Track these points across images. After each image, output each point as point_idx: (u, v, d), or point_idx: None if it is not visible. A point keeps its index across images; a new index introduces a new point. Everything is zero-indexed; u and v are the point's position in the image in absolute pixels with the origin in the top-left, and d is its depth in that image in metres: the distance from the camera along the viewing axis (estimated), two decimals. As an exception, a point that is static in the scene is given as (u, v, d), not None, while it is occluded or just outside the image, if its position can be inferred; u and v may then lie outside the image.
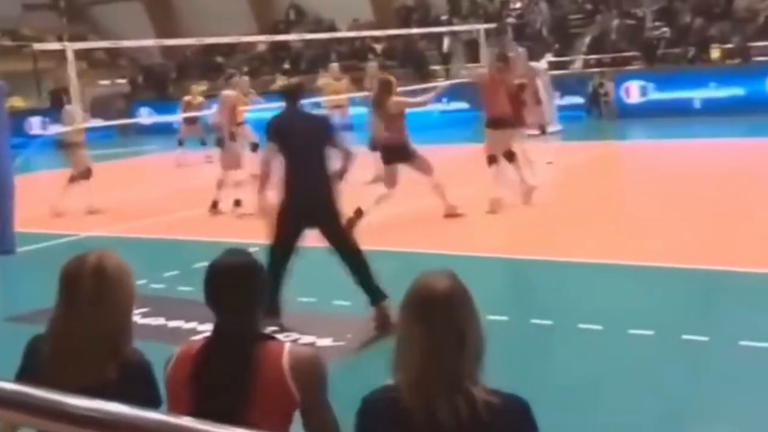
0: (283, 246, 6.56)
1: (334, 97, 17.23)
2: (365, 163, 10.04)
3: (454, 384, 2.14)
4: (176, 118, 19.61)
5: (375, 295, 6.41)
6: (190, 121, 17.81)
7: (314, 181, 6.44)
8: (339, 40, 26.09)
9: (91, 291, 2.60)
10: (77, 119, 12.54)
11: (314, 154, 6.46)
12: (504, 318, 6.24)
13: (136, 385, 2.60)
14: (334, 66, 18.63)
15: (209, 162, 15.20)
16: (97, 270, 2.63)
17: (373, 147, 11.43)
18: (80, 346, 2.61)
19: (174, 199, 12.90)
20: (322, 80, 18.32)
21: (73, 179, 12.63)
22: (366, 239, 7.11)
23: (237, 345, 2.63)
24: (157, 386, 2.68)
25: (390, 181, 10.03)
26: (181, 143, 17.97)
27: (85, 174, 12.63)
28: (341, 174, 6.63)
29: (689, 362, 5.44)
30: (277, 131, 6.56)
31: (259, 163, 6.91)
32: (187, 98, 18.11)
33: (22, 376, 2.69)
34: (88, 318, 2.61)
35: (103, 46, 21.96)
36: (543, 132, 16.17)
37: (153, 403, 2.62)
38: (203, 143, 17.12)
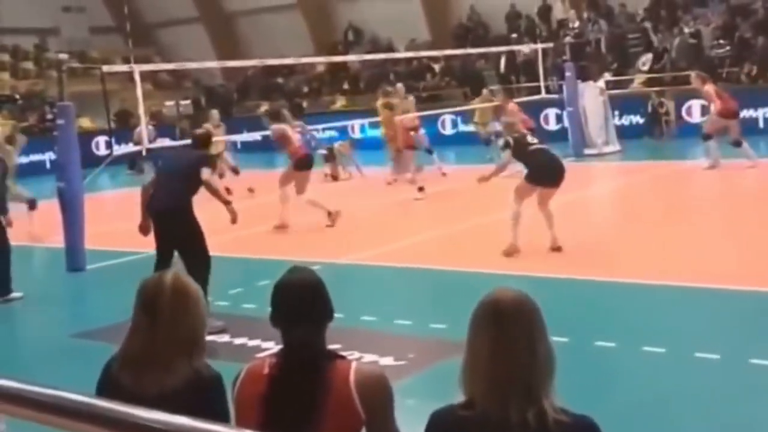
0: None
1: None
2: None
3: (526, 395, 2.17)
4: (240, 137, 19.90)
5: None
6: None
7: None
8: (396, 60, 26.26)
9: (172, 306, 2.76)
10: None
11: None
12: (566, 339, 6.21)
13: (209, 397, 2.72)
14: (399, 86, 18.62)
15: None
16: (177, 287, 2.80)
17: None
18: (159, 356, 2.74)
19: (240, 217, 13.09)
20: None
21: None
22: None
23: (308, 363, 2.69)
24: (227, 401, 2.78)
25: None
26: None
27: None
28: None
29: (756, 386, 5.35)
30: None
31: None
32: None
33: (101, 392, 2.81)
34: (167, 331, 2.75)
35: (167, 67, 22.45)
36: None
37: (224, 416, 2.72)
38: None
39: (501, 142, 10.39)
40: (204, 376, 2.77)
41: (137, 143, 14.76)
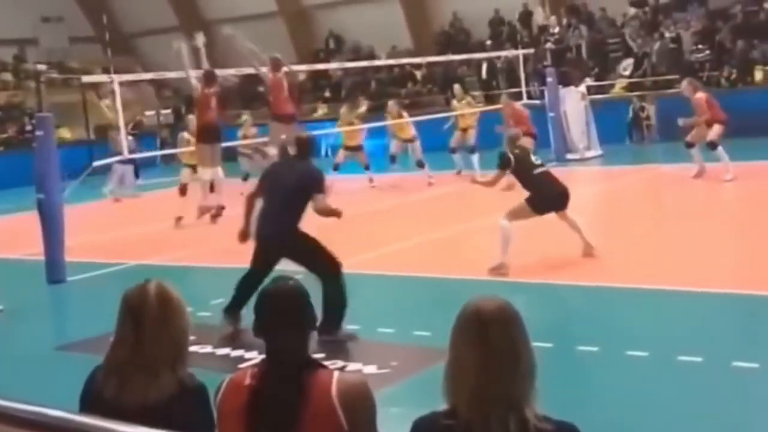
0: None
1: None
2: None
3: (509, 404, 2.17)
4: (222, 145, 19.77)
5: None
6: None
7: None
8: (378, 68, 26.29)
9: (157, 315, 2.77)
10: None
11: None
12: (549, 345, 6.21)
13: (193, 407, 2.75)
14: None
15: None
16: (161, 296, 2.81)
17: None
18: (144, 366, 2.75)
19: (216, 227, 13.05)
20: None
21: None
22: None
23: (290, 373, 2.67)
24: (211, 410, 2.77)
25: None
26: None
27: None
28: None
29: (739, 389, 5.36)
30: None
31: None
32: (242, 132, 17.76)
33: (83, 406, 2.82)
34: (152, 340, 2.76)
35: (147, 77, 22.38)
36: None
37: (208, 426, 2.75)
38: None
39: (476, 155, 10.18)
40: (188, 386, 2.78)
41: (117, 153, 14.70)
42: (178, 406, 2.69)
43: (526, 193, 8.96)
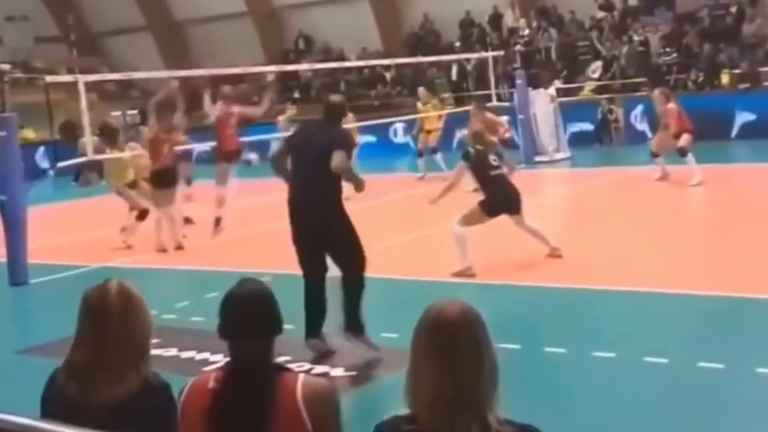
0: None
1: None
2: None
3: (471, 408, 2.14)
4: (190, 146, 19.59)
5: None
6: None
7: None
8: (348, 69, 26.24)
9: (120, 313, 2.73)
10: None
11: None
12: (517, 346, 6.20)
13: (158, 405, 2.71)
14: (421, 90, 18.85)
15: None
16: (123, 294, 2.76)
17: None
18: (107, 365, 2.72)
19: (186, 228, 12.91)
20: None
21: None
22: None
23: (254, 377, 2.65)
24: (176, 408, 2.74)
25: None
26: None
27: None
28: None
29: (705, 390, 5.38)
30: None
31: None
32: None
33: (45, 407, 2.78)
34: (115, 339, 2.72)
35: (113, 77, 22.13)
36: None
37: (173, 425, 2.70)
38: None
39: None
40: (152, 384, 2.75)
41: (82, 155, 14.50)
42: (143, 405, 2.67)
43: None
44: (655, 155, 14.22)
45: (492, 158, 9.13)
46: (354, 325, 6.42)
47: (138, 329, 2.76)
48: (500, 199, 8.89)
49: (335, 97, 6.98)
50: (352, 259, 6.44)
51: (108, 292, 2.75)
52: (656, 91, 14.77)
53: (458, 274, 8.59)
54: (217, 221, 11.78)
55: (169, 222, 11.67)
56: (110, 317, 2.71)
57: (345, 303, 6.43)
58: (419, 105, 18.54)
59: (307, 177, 6.34)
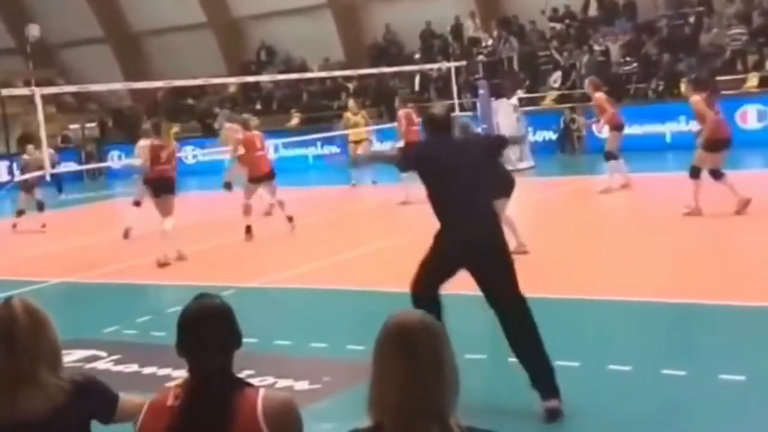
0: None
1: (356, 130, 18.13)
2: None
3: (434, 416, 2.16)
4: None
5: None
6: None
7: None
8: (310, 80, 26.17)
9: (30, 330, 2.76)
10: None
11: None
12: (482, 356, 6.16)
13: (94, 398, 2.84)
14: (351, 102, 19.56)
15: None
16: (28, 309, 2.80)
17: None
18: (21, 380, 2.73)
19: (144, 243, 12.74)
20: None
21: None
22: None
23: (214, 393, 2.61)
24: (109, 389, 2.91)
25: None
26: None
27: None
28: None
29: (668, 397, 5.39)
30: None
31: None
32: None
33: None
34: (29, 356, 2.74)
35: (71, 90, 21.86)
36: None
37: (113, 403, 2.89)
38: None
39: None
40: (80, 381, 2.83)
41: (24, 171, 14.29)
42: (78, 403, 2.74)
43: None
44: (611, 156, 14.09)
45: None
46: None
47: (50, 342, 2.80)
48: (497, 180, 9.09)
49: (439, 110, 5.85)
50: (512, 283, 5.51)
51: (14, 311, 2.78)
52: (587, 80, 14.87)
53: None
54: (248, 229, 12.29)
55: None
56: (20, 336, 2.74)
57: None
58: (348, 115, 18.76)
59: (477, 201, 5.46)
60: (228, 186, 14.68)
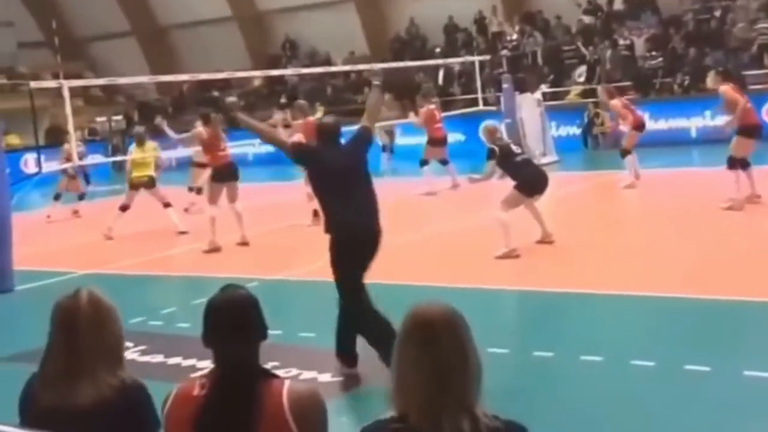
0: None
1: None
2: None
3: (460, 405, 2.17)
4: (174, 153, 19.49)
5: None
6: None
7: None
8: (334, 74, 26.20)
9: (92, 322, 2.78)
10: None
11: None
12: (505, 351, 6.18)
13: (136, 406, 2.78)
14: None
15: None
16: (94, 303, 2.82)
17: None
18: (82, 371, 2.75)
19: (170, 235, 12.84)
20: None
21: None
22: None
23: (239, 383, 2.64)
24: (155, 409, 2.79)
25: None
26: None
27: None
28: None
29: (692, 393, 5.38)
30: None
31: None
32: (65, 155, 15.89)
33: (24, 415, 2.82)
34: (88, 346, 2.77)
35: (98, 83, 22.01)
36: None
37: (153, 424, 2.78)
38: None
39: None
40: (129, 386, 2.79)
41: (67, 160, 14.38)
42: (121, 407, 2.72)
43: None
44: (626, 153, 14.08)
45: (514, 147, 10.00)
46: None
47: (110, 336, 2.81)
48: (535, 177, 9.70)
49: (329, 120, 6.70)
50: None
51: (79, 301, 2.80)
52: (599, 88, 14.95)
53: (504, 257, 9.24)
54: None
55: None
56: (83, 327, 2.76)
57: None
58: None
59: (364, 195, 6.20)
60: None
